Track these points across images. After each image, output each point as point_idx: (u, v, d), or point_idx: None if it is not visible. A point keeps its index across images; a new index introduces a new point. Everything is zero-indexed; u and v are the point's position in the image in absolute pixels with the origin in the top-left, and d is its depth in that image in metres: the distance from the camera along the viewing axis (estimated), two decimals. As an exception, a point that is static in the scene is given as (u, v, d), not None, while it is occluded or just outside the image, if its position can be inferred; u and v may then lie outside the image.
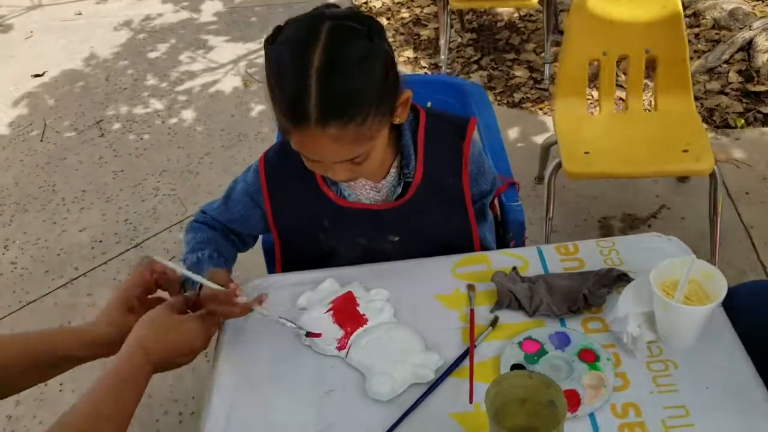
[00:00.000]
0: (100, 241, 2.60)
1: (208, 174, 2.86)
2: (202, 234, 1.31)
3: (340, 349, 1.12)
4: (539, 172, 2.48)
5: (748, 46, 3.13)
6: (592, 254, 1.23)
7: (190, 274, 1.12)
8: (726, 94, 2.95)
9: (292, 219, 1.28)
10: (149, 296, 1.16)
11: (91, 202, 2.79)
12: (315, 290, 1.22)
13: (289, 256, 1.33)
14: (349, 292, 1.19)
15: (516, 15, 3.71)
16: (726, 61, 3.12)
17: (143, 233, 2.61)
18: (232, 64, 3.55)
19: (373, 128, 1.03)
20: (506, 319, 1.14)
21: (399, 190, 1.23)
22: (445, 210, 1.26)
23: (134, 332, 1.03)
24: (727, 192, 2.39)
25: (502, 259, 1.24)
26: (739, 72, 3.06)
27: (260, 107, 3.22)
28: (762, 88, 2.92)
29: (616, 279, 1.16)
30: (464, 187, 1.25)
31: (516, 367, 1.06)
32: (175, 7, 4.18)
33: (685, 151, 1.94)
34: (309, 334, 1.12)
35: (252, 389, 1.09)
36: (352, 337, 1.13)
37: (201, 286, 1.13)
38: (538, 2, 3.13)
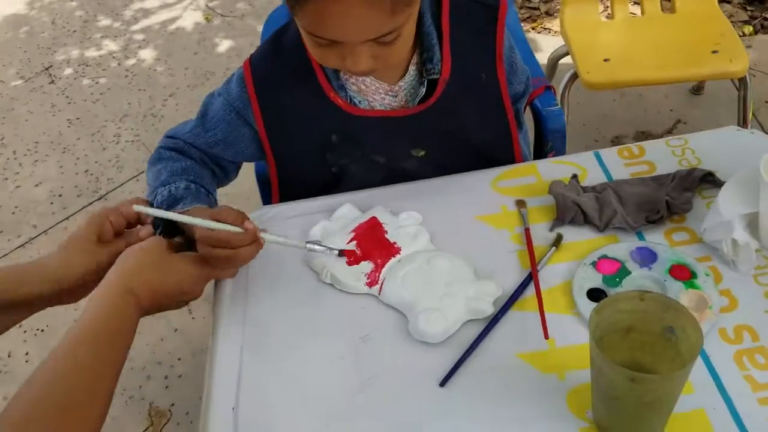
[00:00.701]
0: (60, 195, 2.32)
1: (174, 116, 2.58)
2: (174, 164, 1.02)
3: (371, 285, 0.90)
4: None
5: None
6: (662, 156, 1.02)
7: (189, 218, 0.84)
8: (729, 2, 2.75)
9: (291, 137, 1.04)
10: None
11: (46, 154, 2.50)
12: (331, 219, 0.99)
13: (290, 185, 1.09)
14: (373, 218, 0.97)
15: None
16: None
17: (107, 184, 2.34)
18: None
19: None
20: (570, 237, 0.93)
21: (422, 90, 0.99)
22: (481, 112, 1.04)
23: (118, 267, 0.80)
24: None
25: (553, 168, 1.03)
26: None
27: (226, 43, 2.92)
28: (767, -6, 2.73)
29: (701, 181, 0.96)
30: (501, 83, 1.03)
31: (595, 292, 0.85)
32: (122, -59, 3.80)
33: (715, 52, 1.74)
34: (342, 253, 0.92)
35: (266, 344, 0.87)
36: (384, 270, 0.91)
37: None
38: None
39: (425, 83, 0.99)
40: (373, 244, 0.94)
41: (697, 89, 2.29)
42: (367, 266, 0.92)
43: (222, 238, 0.84)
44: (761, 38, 2.53)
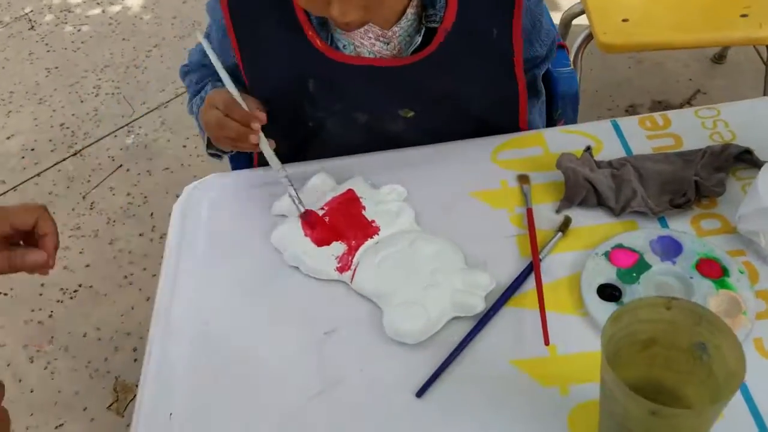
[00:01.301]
0: (32, 150, 2.17)
1: (159, 68, 2.42)
2: (196, 72, 1.00)
3: (341, 270, 0.76)
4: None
5: None
6: (691, 128, 0.87)
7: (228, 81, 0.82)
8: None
9: (267, 75, 0.89)
10: None
11: (20, 104, 2.34)
12: (301, 189, 0.85)
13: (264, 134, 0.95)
14: (350, 191, 0.83)
15: None
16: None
17: (83, 139, 2.19)
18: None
19: None
20: (580, 221, 0.79)
21: (418, 39, 0.84)
22: (486, 74, 0.88)
23: None
24: (769, 72, 2.04)
25: (563, 138, 0.88)
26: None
27: (218, -8, 2.74)
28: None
29: (735, 159, 0.81)
30: (513, 43, 0.87)
31: (607, 288, 0.72)
32: None
33: (744, 15, 1.57)
34: (306, 215, 0.79)
35: (212, 335, 0.74)
36: (358, 253, 0.77)
37: None
38: None
39: (423, 31, 0.84)
40: (347, 222, 0.80)
41: (719, 57, 2.12)
42: (338, 248, 0.78)
43: (227, 103, 0.81)
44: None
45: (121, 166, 2.09)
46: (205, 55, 0.92)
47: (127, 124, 2.23)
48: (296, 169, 0.88)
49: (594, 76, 2.08)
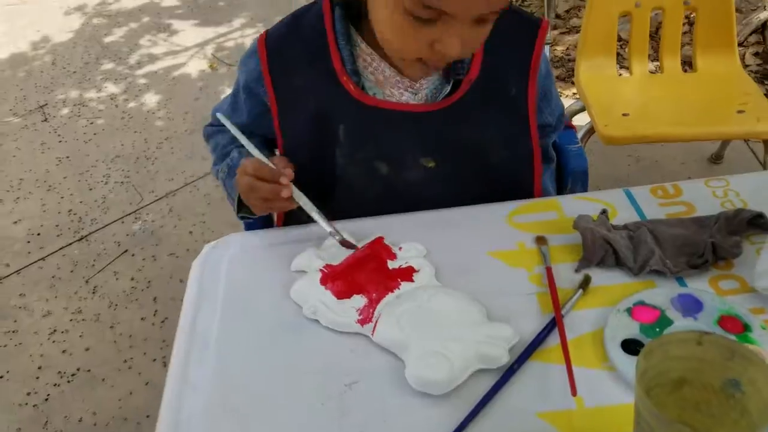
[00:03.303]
0: (38, 234, 2.19)
1: (168, 160, 2.48)
2: (222, 136, 1.05)
3: (363, 323, 0.76)
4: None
5: (763, 28, 2.89)
6: (702, 196, 0.90)
7: (245, 141, 0.88)
8: (745, 76, 2.69)
9: (300, 121, 0.92)
10: None
11: (29, 191, 2.38)
12: (321, 247, 0.86)
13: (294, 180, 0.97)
14: (379, 239, 0.84)
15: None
16: (740, 44, 2.87)
17: (90, 225, 2.21)
18: (197, 48, 3.18)
19: None
20: (599, 281, 0.80)
21: (447, 89, 0.89)
22: (504, 128, 0.92)
23: None
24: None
25: (577, 205, 0.90)
26: (756, 54, 2.81)
27: (230, 90, 2.85)
28: (784, 70, 2.67)
29: (748, 224, 0.83)
30: (530, 104, 0.91)
31: (631, 343, 0.71)
32: (134, -9, 3.81)
33: (741, 111, 1.64)
34: (345, 243, 0.82)
35: (234, 390, 0.73)
36: (379, 306, 0.77)
37: None
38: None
39: (451, 82, 0.89)
40: (369, 275, 0.80)
41: (717, 158, 2.19)
42: (359, 301, 0.78)
43: (256, 167, 0.85)
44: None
45: (126, 251, 2.10)
46: (231, 115, 0.96)
47: (134, 211, 2.25)
48: (314, 229, 0.89)
49: (595, 173, 2.12)
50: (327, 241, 0.87)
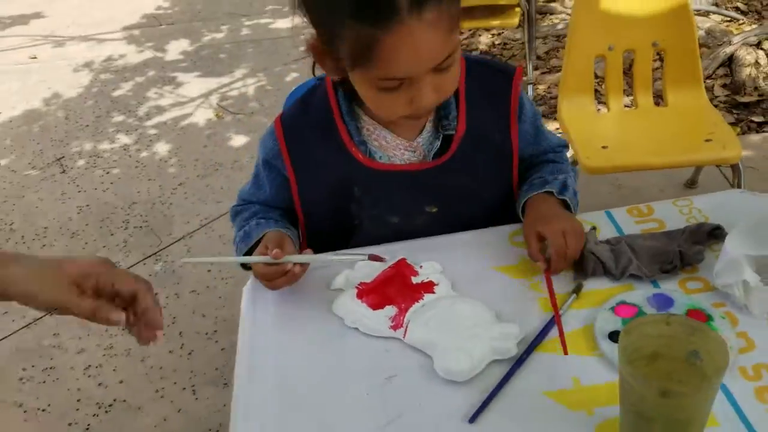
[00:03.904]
0: (66, 278, 2.33)
1: (183, 204, 2.64)
2: (246, 211, 1.16)
3: (395, 328, 0.92)
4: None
5: (729, 61, 3.11)
6: (670, 214, 1.07)
7: (217, 260, 0.98)
8: (715, 106, 2.90)
9: (317, 186, 1.09)
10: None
11: (54, 238, 2.54)
12: (354, 268, 1.03)
13: (312, 234, 1.14)
14: (403, 260, 1.01)
15: (491, 43, 3.66)
16: (709, 77, 3.09)
17: (114, 268, 2.36)
18: (202, 98, 3.37)
19: (456, 8, 0.88)
20: (589, 286, 0.96)
21: (438, 144, 1.06)
22: (492, 169, 1.10)
23: None
24: None
25: (567, 224, 1.08)
26: (724, 86, 3.02)
27: (236, 137, 3.03)
28: (750, 99, 2.89)
29: (709, 235, 1.00)
30: (513, 144, 1.09)
31: (615, 334, 0.88)
32: (138, 48, 4.01)
33: (709, 140, 1.83)
34: (373, 257, 0.96)
35: (292, 388, 0.88)
36: (408, 314, 0.94)
37: None
38: (519, 26, 3.07)
39: (441, 137, 1.06)
40: (397, 289, 0.96)
41: (692, 183, 2.38)
42: (390, 310, 0.94)
43: (259, 272, 0.97)
44: (752, 137, 2.66)
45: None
46: (254, 192, 1.13)
47: (154, 253, 2.41)
48: (347, 255, 1.05)
49: (580, 201, 2.32)
50: (358, 263, 1.03)
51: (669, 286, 0.94)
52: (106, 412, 1.85)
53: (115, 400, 1.88)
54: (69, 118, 3.35)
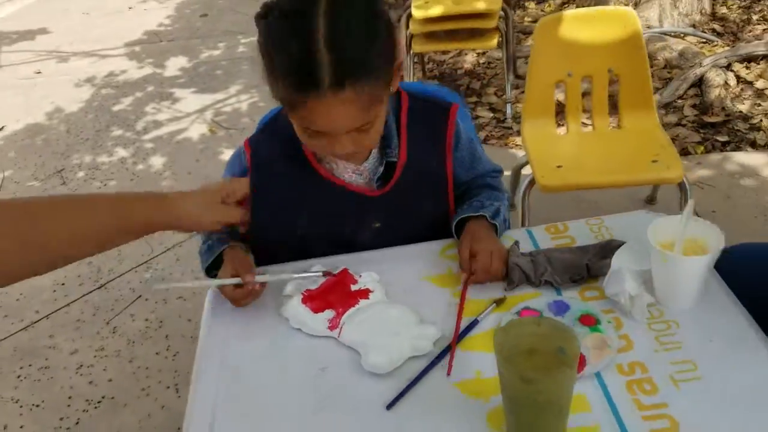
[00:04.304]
0: (63, 284, 2.49)
1: (176, 215, 2.80)
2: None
3: (332, 329, 1.07)
4: (511, 197, 2.49)
5: (700, 82, 3.26)
6: (582, 232, 1.22)
7: (188, 285, 1.13)
8: (683, 125, 3.05)
9: (271, 201, 1.21)
10: None
11: (53, 246, 2.69)
12: (304, 278, 1.18)
13: (259, 249, 1.26)
14: (345, 270, 1.16)
15: (476, 62, 3.82)
16: (680, 97, 3.24)
17: (107, 274, 2.53)
18: (197, 114, 3.54)
19: (381, 88, 1.02)
20: (508, 293, 1.11)
21: (381, 169, 1.21)
22: (429, 195, 1.25)
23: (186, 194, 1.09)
24: (694, 211, 2.43)
25: (492, 240, 1.23)
26: (694, 106, 3.17)
27: (227, 152, 3.19)
28: (717, 119, 3.03)
29: (616, 250, 1.15)
30: (448, 171, 1.24)
31: (516, 334, 1.02)
32: (139, 63, 4.19)
33: (655, 161, 1.98)
34: (326, 273, 1.12)
35: (238, 375, 1.04)
36: (343, 317, 1.09)
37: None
38: (498, 47, 3.23)
39: (384, 164, 1.21)
40: (337, 295, 1.12)
41: (651, 200, 2.52)
42: (329, 314, 1.09)
43: (228, 295, 1.13)
44: (711, 156, 2.80)
45: (140, 296, 2.41)
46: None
47: (146, 261, 2.57)
48: (297, 264, 1.21)
49: (539, 215, 2.45)
50: (307, 272, 1.18)
51: (570, 294, 1.09)
52: (95, 408, 2.00)
53: (103, 397, 2.03)
54: (70, 132, 3.52)
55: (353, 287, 1.14)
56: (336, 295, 1.12)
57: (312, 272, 1.15)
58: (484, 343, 1.03)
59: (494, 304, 1.09)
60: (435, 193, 1.25)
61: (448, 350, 1.02)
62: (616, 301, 1.05)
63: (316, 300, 1.12)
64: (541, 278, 1.11)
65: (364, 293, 1.12)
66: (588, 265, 1.12)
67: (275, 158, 1.21)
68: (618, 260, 1.04)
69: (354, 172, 1.22)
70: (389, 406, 0.95)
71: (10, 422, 1.99)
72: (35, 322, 2.34)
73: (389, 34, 1.03)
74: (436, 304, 1.11)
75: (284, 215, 1.23)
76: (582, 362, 0.96)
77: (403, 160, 1.20)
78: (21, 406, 2.03)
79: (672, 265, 1.00)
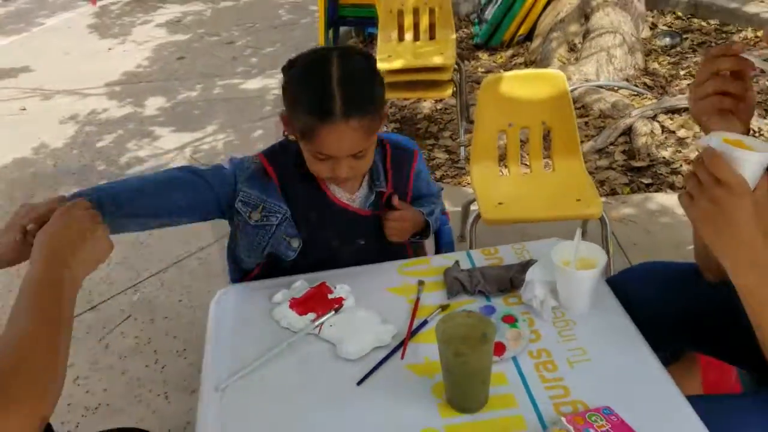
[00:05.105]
0: (58, 305, 2.73)
1: (159, 244, 3.07)
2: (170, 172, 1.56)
3: (314, 327, 1.39)
4: (461, 231, 2.83)
5: (629, 131, 3.68)
6: (508, 254, 1.57)
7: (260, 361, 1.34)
8: (613, 169, 3.45)
9: (294, 212, 1.52)
10: None
11: (46, 271, 2.94)
12: (290, 288, 1.49)
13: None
14: (323, 283, 1.48)
15: (433, 108, 4.20)
16: (612, 143, 3.65)
17: (98, 297, 2.78)
18: (177, 150, 3.83)
19: (377, 123, 1.38)
20: (451, 300, 1.44)
21: (372, 197, 1.54)
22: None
23: (51, 242, 1.04)
24: (618, 244, 2.81)
25: (439, 260, 1.56)
26: (623, 152, 3.58)
27: (205, 187, 3.48)
28: (642, 164, 3.44)
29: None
30: (408, 197, 1.60)
31: (455, 330, 1.35)
32: (119, 102, 4.47)
33: (579, 200, 2.35)
34: (317, 327, 1.40)
35: (240, 363, 1.34)
36: (323, 318, 1.40)
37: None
38: (452, 95, 3.62)
39: (375, 193, 1.54)
40: (317, 302, 1.43)
41: (583, 232, 2.89)
42: (312, 315, 1.41)
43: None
44: (635, 197, 3.20)
45: (129, 316, 2.67)
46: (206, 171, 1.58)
47: (133, 285, 2.83)
48: (284, 279, 1.52)
49: (488, 244, 2.81)
50: (294, 285, 1.49)
51: (497, 301, 1.43)
52: (93, 413, 2.25)
53: (99, 404, 2.29)
54: (57, 166, 3.77)
55: (330, 296, 1.45)
56: (316, 302, 1.44)
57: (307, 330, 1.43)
58: (430, 337, 1.35)
59: (440, 309, 1.42)
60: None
61: (402, 342, 1.34)
62: (530, 305, 1.39)
63: (300, 305, 1.43)
64: (476, 288, 1.44)
65: (339, 300, 1.44)
66: (512, 279, 1.45)
67: (290, 172, 1.51)
68: (531, 274, 1.38)
69: (348, 200, 1.55)
70: (359, 383, 1.26)
71: (15, 426, 2.22)
72: (33, 339, 2.58)
73: (381, 85, 1.40)
74: (394, 308, 1.43)
75: (312, 230, 1.53)
76: (503, 349, 1.29)
77: (389, 190, 1.54)
78: (24, 412, 2.26)
79: (569, 277, 1.34)
